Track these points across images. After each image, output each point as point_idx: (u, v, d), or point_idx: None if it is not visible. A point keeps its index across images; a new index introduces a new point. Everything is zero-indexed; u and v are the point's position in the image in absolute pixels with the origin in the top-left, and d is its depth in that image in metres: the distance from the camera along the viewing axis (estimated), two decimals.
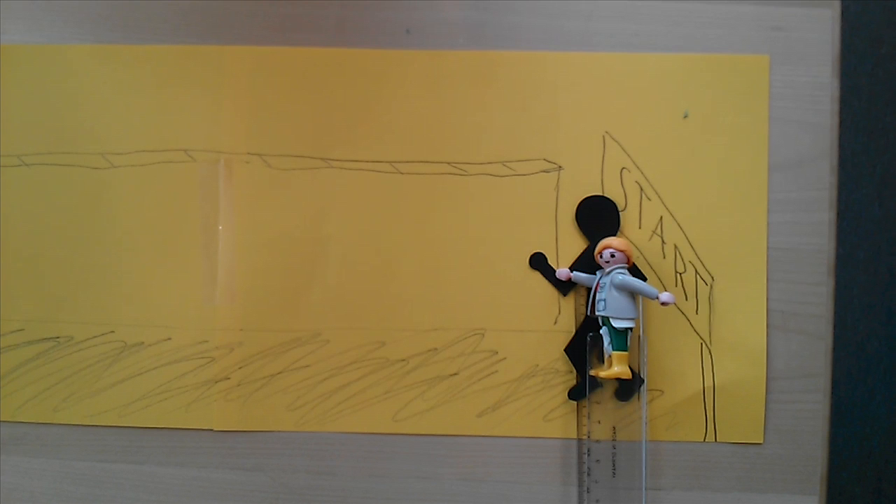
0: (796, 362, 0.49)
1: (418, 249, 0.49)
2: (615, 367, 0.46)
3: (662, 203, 0.49)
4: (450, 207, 0.49)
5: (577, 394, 0.49)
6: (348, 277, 0.49)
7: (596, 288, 0.47)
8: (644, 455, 0.48)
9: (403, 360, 0.49)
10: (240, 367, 0.49)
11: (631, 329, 0.46)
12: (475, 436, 0.49)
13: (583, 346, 0.49)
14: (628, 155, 0.49)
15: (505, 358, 0.49)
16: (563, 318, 0.49)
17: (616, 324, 0.46)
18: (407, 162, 0.50)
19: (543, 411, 0.49)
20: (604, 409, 0.48)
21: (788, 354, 0.49)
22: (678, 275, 0.49)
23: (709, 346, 0.49)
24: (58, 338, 0.50)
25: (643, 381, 0.48)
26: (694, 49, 0.49)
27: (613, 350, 0.46)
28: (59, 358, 0.50)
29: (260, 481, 0.50)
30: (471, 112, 0.49)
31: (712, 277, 0.49)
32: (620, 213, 0.49)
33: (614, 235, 0.49)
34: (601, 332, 0.47)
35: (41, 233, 0.50)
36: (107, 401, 0.50)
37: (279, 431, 0.50)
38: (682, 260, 0.49)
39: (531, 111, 0.49)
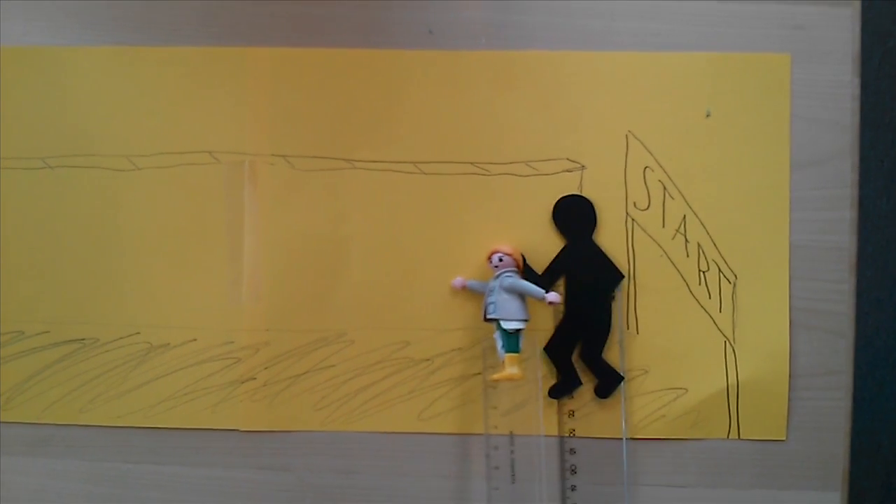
0: (818, 360, 0.49)
1: (442, 249, 0.50)
2: (507, 368, 0.46)
3: (685, 202, 0.49)
4: (473, 207, 0.50)
5: (557, 392, 0.49)
6: (372, 277, 0.50)
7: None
8: (625, 453, 0.48)
9: (428, 359, 0.50)
10: (265, 368, 0.50)
11: (521, 330, 0.46)
12: (499, 434, 0.49)
13: (562, 345, 0.49)
14: (651, 154, 0.49)
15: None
16: None
17: (506, 325, 0.46)
18: (430, 162, 0.50)
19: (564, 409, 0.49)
20: (585, 407, 0.49)
21: (810, 352, 0.49)
22: (701, 273, 0.49)
23: (732, 344, 0.49)
24: (83, 339, 0.50)
25: (622, 378, 0.48)
26: (715, 48, 0.49)
27: (506, 352, 0.46)
28: (84, 359, 0.50)
29: (286, 481, 0.50)
30: (493, 112, 0.49)
31: (735, 276, 0.49)
32: (597, 212, 0.49)
33: (592, 234, 0.49)
34: (494, 335, 0.47)
35: (66, 234, 0.50)
36: (133, 402, 0.50)
37: (305, 431, 0.50)
38: (706, 258, 0.49)
39: (553, 111, 0.49)
